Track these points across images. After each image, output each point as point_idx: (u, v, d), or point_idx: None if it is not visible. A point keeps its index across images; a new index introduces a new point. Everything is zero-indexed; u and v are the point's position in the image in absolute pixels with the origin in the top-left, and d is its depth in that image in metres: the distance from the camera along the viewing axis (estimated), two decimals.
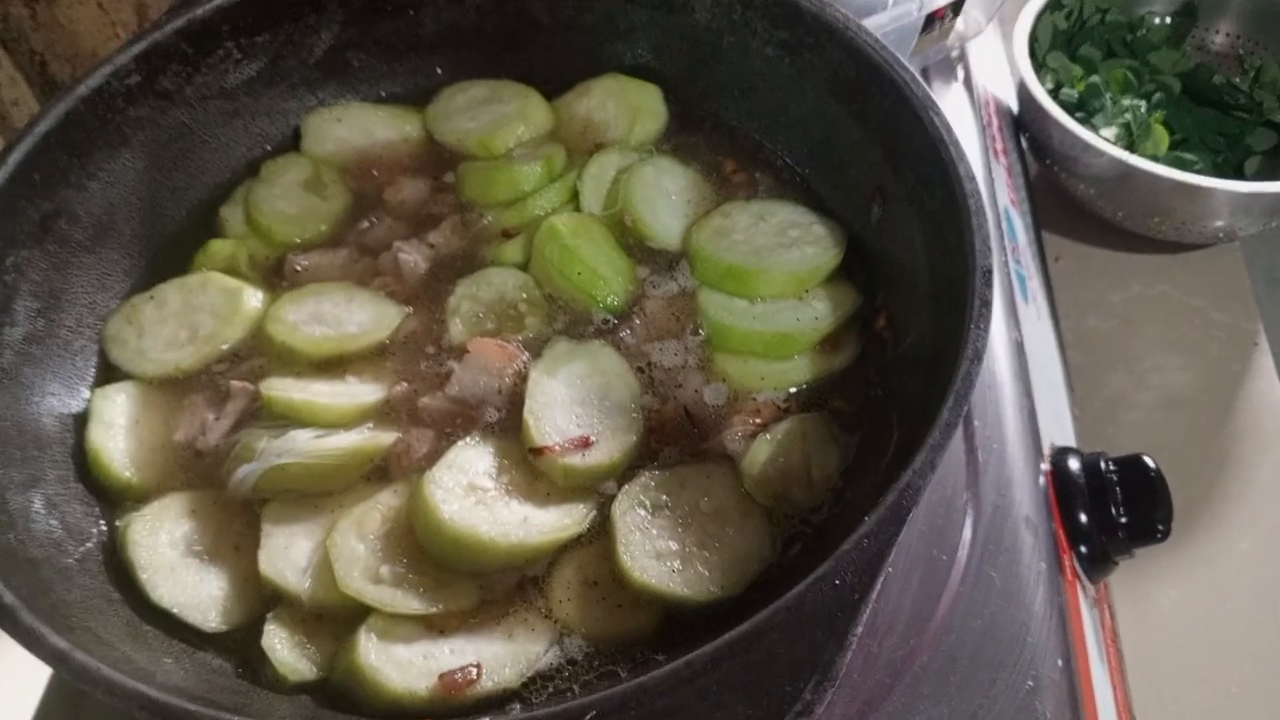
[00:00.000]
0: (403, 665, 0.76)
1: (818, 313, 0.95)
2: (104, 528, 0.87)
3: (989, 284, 0.75)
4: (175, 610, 0.81)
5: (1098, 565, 1.09)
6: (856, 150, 0.98)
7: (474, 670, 0.76)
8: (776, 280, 0.97)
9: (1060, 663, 0.95)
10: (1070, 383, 1.37)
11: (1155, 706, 1.18)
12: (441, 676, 0.76)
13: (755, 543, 0.83)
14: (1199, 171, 1.49)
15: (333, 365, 0.96)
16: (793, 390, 0.93)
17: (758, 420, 0.90)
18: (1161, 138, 1.54)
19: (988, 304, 0.74)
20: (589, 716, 0.58)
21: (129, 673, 0.66)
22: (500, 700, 0.77)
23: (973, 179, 0.81)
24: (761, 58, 1.04)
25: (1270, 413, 1.44)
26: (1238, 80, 1.64)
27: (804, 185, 1.08)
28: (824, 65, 0.98)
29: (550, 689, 0.78)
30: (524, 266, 1.02)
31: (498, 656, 0.78)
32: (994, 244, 1.22)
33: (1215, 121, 1.61)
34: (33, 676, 1.03)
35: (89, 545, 0.85)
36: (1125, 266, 1.60)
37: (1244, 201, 1.40)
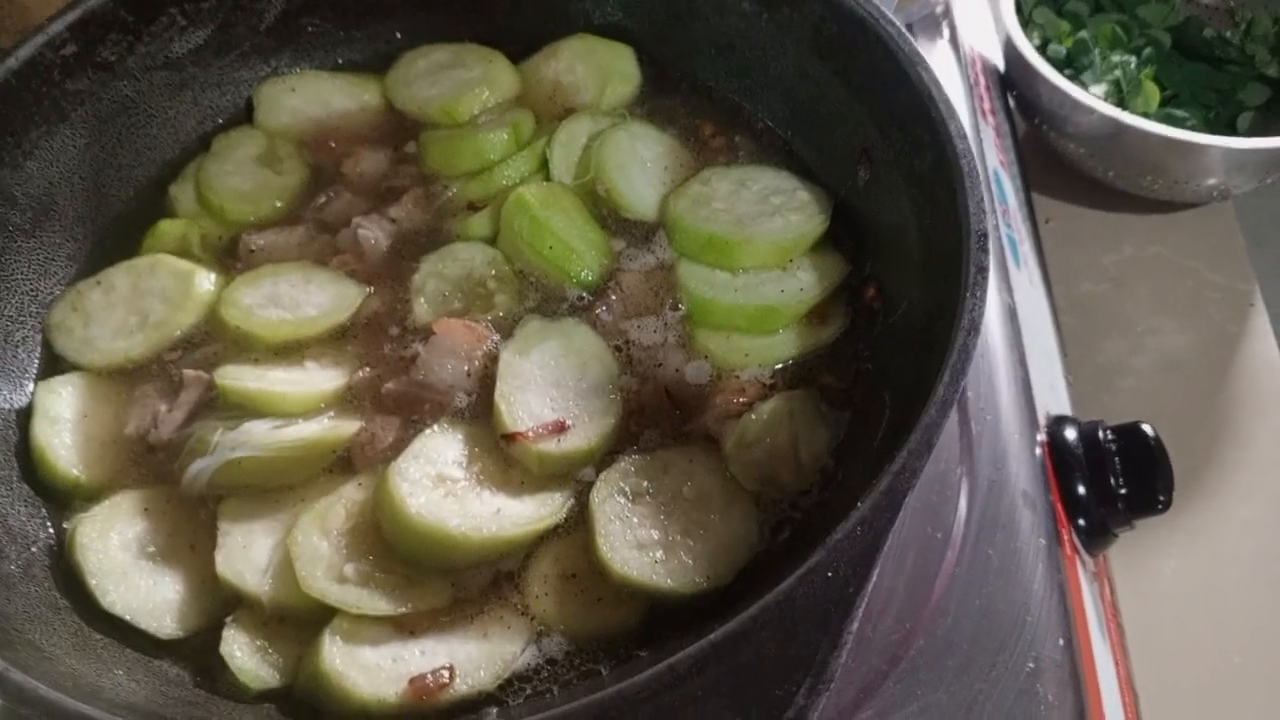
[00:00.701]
0: (370, 670, 0.73)
1: (803, 284, 0.92)
2: (51, 530, 0.83)
3: (984, 249, 0.71)
4: (128, 616, 0.77)
5: (1097, 538, 1.06)
6: (841, 110, 0.95)
7: (446, 673, 0.73)
8: (759, 250, 0.93)
9: (1061, 642, 0.92)
10: (1064, 349, 1.34)
11: (1157, 678, 1.16)
12: (412, 680, 0.72)
13: (742, 529, 0.80)
14: (1191, 128, 1.46)
15: (291, 350, 0.92)
16: (779, 366, 0.90)
17: (742, 399, 0.87)
18: (1152, 94, 1.51)
19: (984, 271, 0.70)
20: None
21: (72, 690, 0.62)
22: (475, 704, 0.73)
23: (964, 138, 0.78)
24: (738, 13, 1.01)
25: (1268, 374, 1.42)
26: (1229, 34, 1.61)
27: (787, 149, 1.04)
28: (804, 20, 0.95)
29: (529, 690, 0.74)
30: (492, 241, 0.99)
31: (472, 657, 0.74)
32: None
33: (1206, 76, 1.57)
34: None
35: (34, 550, 0.81)
36: (1117, 228, 1.57)
37: (1238, 158, 1.36)
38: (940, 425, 0.64)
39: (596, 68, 1.08)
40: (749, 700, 0.59)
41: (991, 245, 1.14)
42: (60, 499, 0.85)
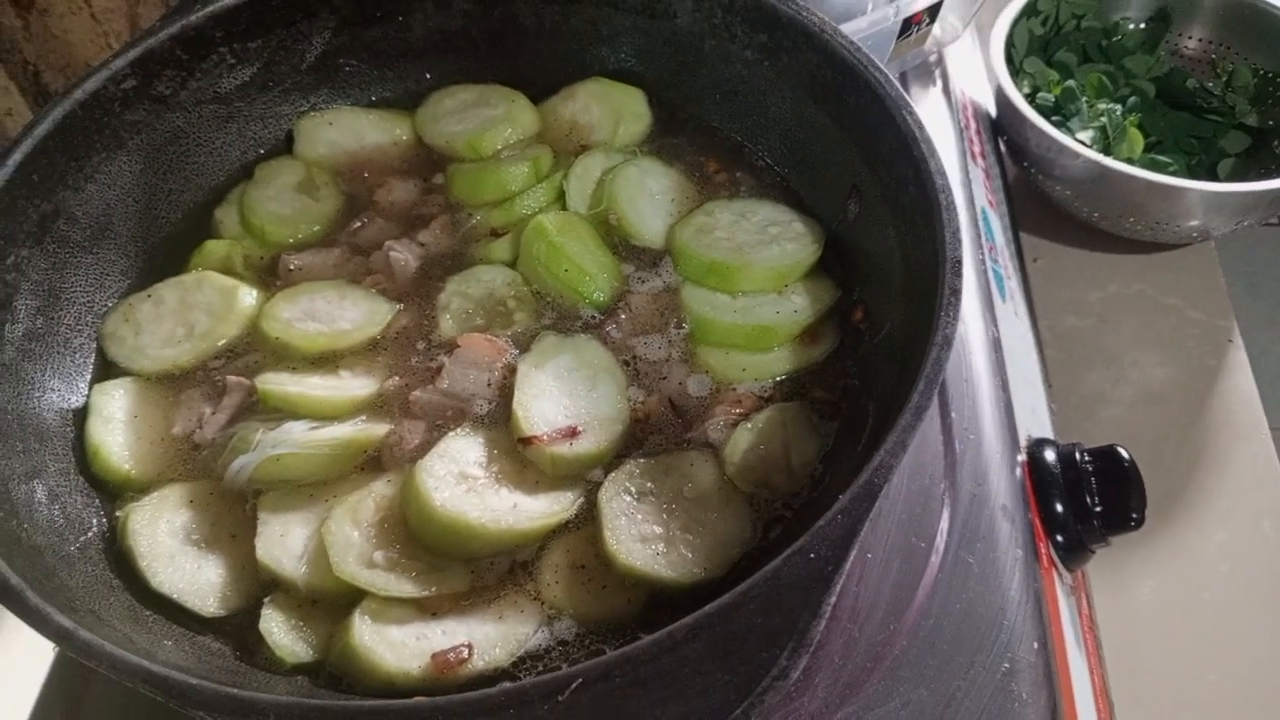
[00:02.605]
0: (396, 646, 0.78)
1: (797, 306, 0.98)
2: (103, 518, 0.89)
3: (958, 274, 0.78)
4: (175, 596, 0.83)
5: (1074, 554, 1.11)
6: (834, 150, 1.01)
7: (465, 650, 0.78)
8: (757, 275, 0.99)
9: (1036, 645, 0.97)
10: (1048, 378, 1.40)
11: (1134, 691, 1.21)
12: (434, 656, 0.78)
13: (737, 527, 0.85)
14: (1173, 173, 1.52)
15: (326, 360, 0.98)
16: (773, 381, 0.96)
17: (739, 410, 0.93)
18: (1136, 140, 1.57)
19: (957, 293, 0.77)
20: (575, 684, 0.60)
21: (131, 651, 0.68)
22: (491, 679, 0.79)
23: (943, 174, 0.84)
24: (742, 61, 1.07)
25: (1244, 407, 1.47)
26: (1211, 84, 1.68)
27: (784, 184, 1.10)
28: (801, 68, 1.01)
29: (540, 667, 0.80)
30: (512, 264, 1.04)
31: (488, 637, 0.80)
32: (970, 243, 1.26)
33: (1189, 124, 1.63)
34: (31, 672, 1.05)
35: (89, 535, 0.87)
36: (1103, 266, 1.63)
37: (1216, 201, 1.43)
38: (914, 428, 0.70)
39: (610, 109, 1.14)
40: (738, 661, 0.66)
41: (973, 278, 1.23)
42: (112, 491, 0.91)
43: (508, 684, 0.64)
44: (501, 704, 0.61)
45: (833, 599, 0.65)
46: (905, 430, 0.70)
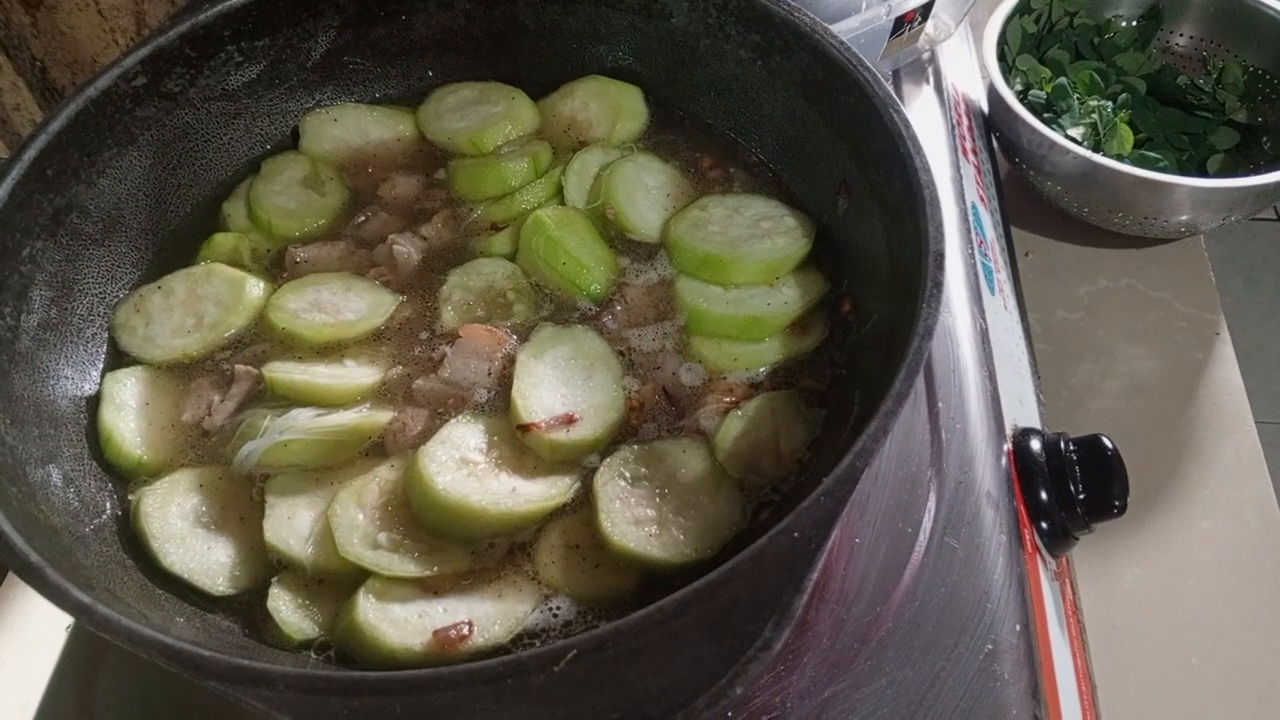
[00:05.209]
0: (399, 623, 0.81)
1: (787, 298, 1.00)
2: (117, 502, 0.92)
3: (941, 267, 0.80)
4: (185, 575, 0.86)
5: (1058, 540, 1.13)
6: (824, 147, 1.03)
7: (466, 627, 0.81)
8: (749, 268, 1.01)
9: (1018, 628, 1.00)
10: (1037, 370, 1.43)
11: (1118, 674, 1.24)
12: (435, 633, 0.81)
13: (727, 510, 0.88)
14: (1163, 169, 1.54)
15: (332, 350, 1.01)
16: (764, 370, 0.98)
17: (730, 398, 0.95)
18: (1127, 136, 1.60)
19: (939, 285, 0.79)
20: (570, 655, 0.63)
21: (146, 625, 0.71)
22: (491, 655, 0.81)
23: (928, 170, 0.86)
24: (735, 60, 1.09)
25: (1230, 399, 1.50)
26: (1201, 81, 1.71)
27: (776, 180, 1.13)
28: (793, 67, 1.03)
29: (537, 644, 0.83)
30: (512, 257, 1.07)
31: (488, 615, 0.83)
32: (959, 237, 1.29)
33: (1179, 121, 1.66)
34: (43, 654, 1.09)
35: (104, 517, 0.90)
36: (1093, 261, 1.66)
37: (1203, 196, 1.45)
38: (896, 414, 0.73)
39: (608, 106, 1.17)
40: (724, 633, 0.69)
41: (962, 272, 1.26)
42: (124, 475, 0.94)
43: (506, 656, 0.67)
44: (500, 674, 0.64)
45: (814, 574, 0.68)
46: (887, 416, 0.73)
